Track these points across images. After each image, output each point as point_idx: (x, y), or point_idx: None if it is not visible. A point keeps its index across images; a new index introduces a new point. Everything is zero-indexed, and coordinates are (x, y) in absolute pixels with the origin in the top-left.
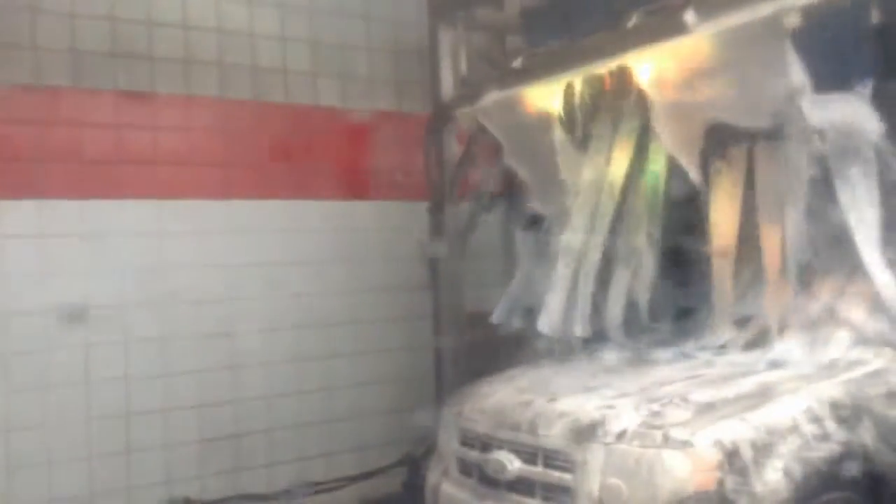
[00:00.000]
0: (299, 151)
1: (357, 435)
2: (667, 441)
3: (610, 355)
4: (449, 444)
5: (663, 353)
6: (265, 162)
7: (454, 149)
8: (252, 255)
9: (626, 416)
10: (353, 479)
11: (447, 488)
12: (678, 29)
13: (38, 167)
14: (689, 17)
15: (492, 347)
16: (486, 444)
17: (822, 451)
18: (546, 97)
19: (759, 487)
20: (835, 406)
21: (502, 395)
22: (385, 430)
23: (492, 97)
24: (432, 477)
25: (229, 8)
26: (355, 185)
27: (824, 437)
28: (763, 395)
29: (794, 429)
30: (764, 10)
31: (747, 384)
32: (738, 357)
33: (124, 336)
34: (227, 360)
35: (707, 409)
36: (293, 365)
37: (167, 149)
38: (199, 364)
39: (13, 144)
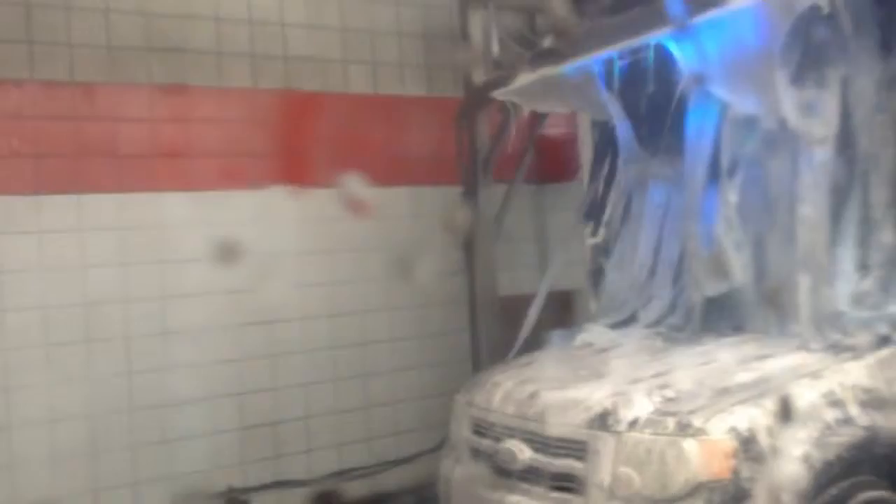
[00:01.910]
0: (332, 139)
1: (395, 420)
2: (679, 429)
3: (635, 340)
4: (460, 433)
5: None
6: (299, 151)
7: (486, 132)
8: (287, 244)
9: (638, 403)
10: (392, 464)
11: (459, 477)
12: (712, 2)
13: (75, 162)
14: None
15: (528, 331)
16: (497, 433)
17: (845, 435)
18: None
19: (776, 475)
20: (858, 389)
21: (513, 383)
22: (423, 415)
23: (524, 78)
24: (445, 466)
25: None
26: (389, 171)
27: (846, 421)
28: (783, 379)
29: (815, 414)
30: None
31: (766, 368)
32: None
33: (163, 327)
34: (265, 348)
35: (724, 394)
36: (330, 352)
37: (199, 141)
38: (239, 353)
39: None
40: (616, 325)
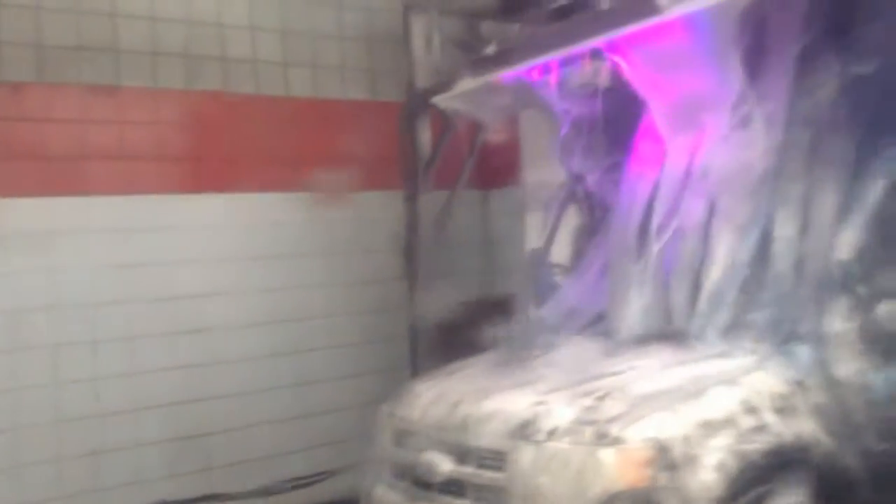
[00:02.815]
0: (271, 143)
1: (334, 429)
2: (597, 437)
3: (564, 346)
4: (383, 445)
5: (619, 342)
6: (236, 155)
7: (428, 138)
8: (224, 250)
9: (558, 412)
10: (329, 475)
11: (381, 492)
12: (651, 10)
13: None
14: None
15: (467, 337)
16: (418, 445)
17: (759, 443)
18: None
19: (691, 484)
20: (773, 396)
21: (436, 393)
22: (363, 424)
23: (465, 84)
24: (366, 481)
25: None
26: (328, 176)
27: (761, 428)
28: (699, 387)
29: (730, 421)
30: None
31: (685, 374)
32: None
33: (92, 335)
34: (199, 357)
35: (643, 401)
36: (266, 361)
37: (132, 143)
38: (171, 362)
39: None
40: (551, 331)
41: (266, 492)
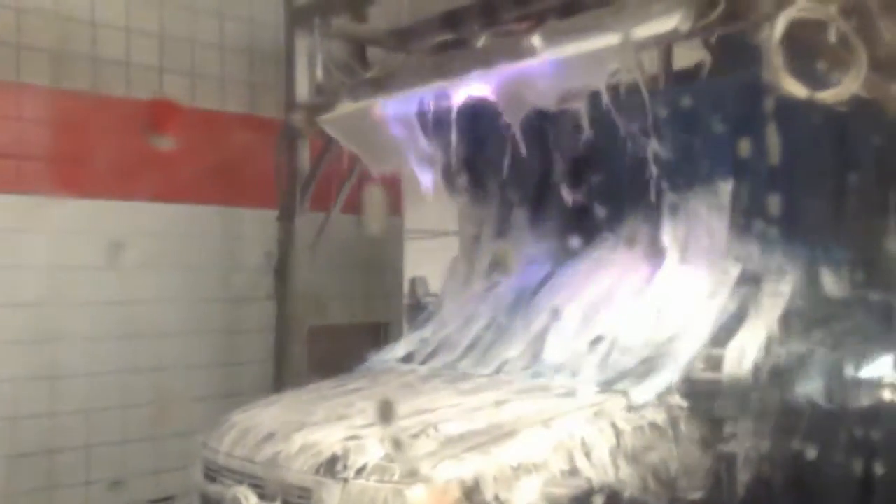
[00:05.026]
0: (137, 149)
1: (186, 453)
2: (405, 476)
3: (394, 377)
4: (195, 477)
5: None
6: (99, 158)
7: (307, 157)
8: (77, 258)
9: (370, 448)
10: (178, 499)
11: None
12: (525, 51)
13: None
14: (536, 40)
15: (334, 362)
16: (226, 479)
17: (570, 487)
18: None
19: None
20: (587, 440)
21: (251, 424)
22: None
23: (345, 107)
24: None
25: None
26: (199, 188)
27: (573, 472)
28: (514, 427)
29: (541, 464)
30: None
31: (502, 414)
32: (511, 382)
33: None
34: (43, 369)
35: (455, 441)
36: (118, 377)
37: None
38: (12, 373)
39: None
40: (397, 362)
41: None
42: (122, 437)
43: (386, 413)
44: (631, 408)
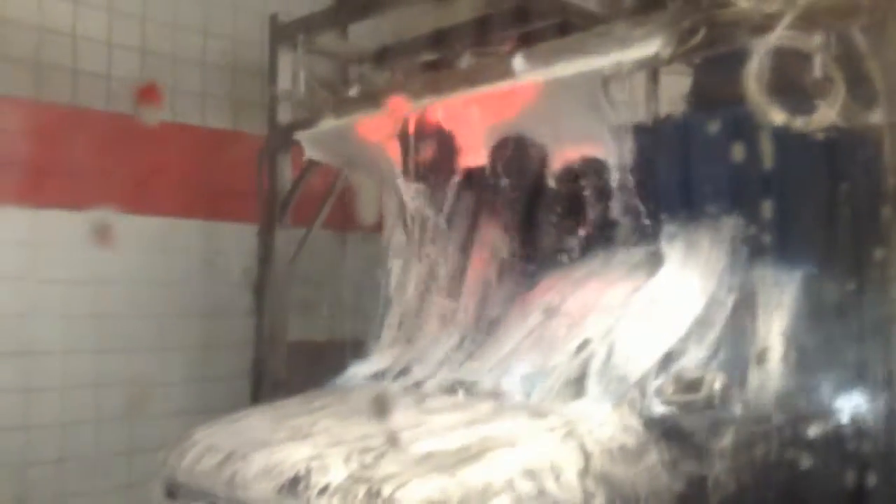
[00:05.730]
0: (117, 161)
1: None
2: (368, 497)
3: (364, 394)
4: (154, 494)
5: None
6: (78, 170)
7: (288, 173)
8: (53, 270)
9: (333, 468)
10: None
11: None
12: (507, 73)
13: None
14: (518, 62)
15: (313, 378)
16: (187, 497)
17: None
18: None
19: None
20: (555, 462)
21: (213, 441)
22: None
23: (327, 124)
24: None
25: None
26: (179, 202)
27: (540, 494)
28: (481, 448)
29: (508, 486)
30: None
31: (470, 435)
32: (481, 401)
33: None
34: (16, 382)
35: (423, 460)
36: (93, 390)
37: None
38: None
39: None
40: (367, 379)
41: None
42: (96, 451)
43: (381, 409)
44: (601, 429)
